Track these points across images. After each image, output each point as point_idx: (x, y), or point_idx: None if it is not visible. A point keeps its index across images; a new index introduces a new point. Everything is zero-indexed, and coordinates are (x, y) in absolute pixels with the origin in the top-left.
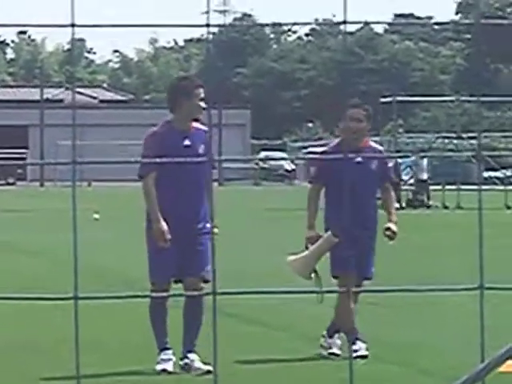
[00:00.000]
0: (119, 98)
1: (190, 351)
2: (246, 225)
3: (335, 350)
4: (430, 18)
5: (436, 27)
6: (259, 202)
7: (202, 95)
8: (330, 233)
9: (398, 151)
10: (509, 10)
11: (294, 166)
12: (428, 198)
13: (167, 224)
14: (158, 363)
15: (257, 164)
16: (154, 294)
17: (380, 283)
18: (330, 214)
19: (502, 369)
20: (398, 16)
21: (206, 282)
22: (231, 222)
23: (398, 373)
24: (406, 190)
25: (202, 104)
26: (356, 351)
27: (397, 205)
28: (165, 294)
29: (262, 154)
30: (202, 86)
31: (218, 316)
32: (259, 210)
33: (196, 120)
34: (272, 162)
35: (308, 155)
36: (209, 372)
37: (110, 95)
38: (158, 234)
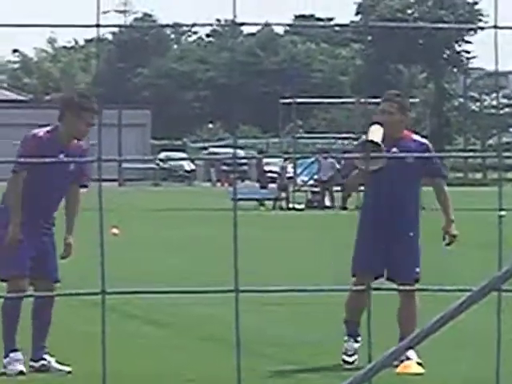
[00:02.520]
0: (18, 97)
1: (45, 353)
2: (144, 225)
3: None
4: (331, 19)
5: (337, 28)
6: (158, 203)
7: (90, 120)
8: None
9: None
10: (409, 11)
11: (193, 167)
12: (332, 200)
13: (25, 218)
14: (10, 364)
15: (157, 164)
16: (9, 295)
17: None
18: (363, 213)
19: (399, 370)
20: (298, 17)
21: (56, 282)
22: (130, 222)
23: (293, 371)
24: (306, 190)
25: (87, 129)
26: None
27: (302, 206)
28: (20, 294)
29: (162, 155)
30: (92, 111)
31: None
32: (157, 211)
33: (78, 140)
34: (172, 163)
35: (209, 155)
36: (69, 373)
37: (9, 95)
38: (14, 238)
